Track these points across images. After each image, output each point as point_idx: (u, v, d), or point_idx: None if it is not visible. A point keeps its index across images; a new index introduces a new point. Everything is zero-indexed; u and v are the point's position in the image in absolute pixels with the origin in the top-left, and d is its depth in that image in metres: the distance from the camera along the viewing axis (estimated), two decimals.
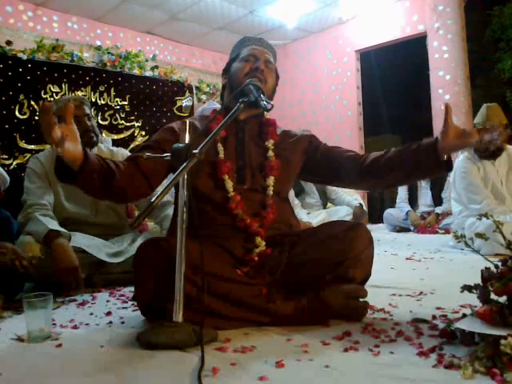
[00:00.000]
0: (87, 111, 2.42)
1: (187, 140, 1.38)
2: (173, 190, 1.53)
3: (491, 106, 3.19)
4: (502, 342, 0.96)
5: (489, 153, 3.18)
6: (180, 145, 1.25)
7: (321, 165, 1.69)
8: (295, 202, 4.07)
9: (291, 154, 1.68)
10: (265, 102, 1.44)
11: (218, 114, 1.57)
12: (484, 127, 2.94)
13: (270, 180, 1.59)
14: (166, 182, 1.19)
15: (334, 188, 4.38)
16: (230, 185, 1.54)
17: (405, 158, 1.52)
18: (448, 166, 1.45)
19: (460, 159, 3.34)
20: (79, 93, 5.19)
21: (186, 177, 1.35)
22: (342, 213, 4.22)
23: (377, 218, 5.93)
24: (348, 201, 4.36)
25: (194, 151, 1.20)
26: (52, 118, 1.17)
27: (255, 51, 1.66)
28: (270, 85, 1.64)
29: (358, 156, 1.65)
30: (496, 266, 1.15)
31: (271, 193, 1.59)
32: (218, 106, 2.73)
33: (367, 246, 1.48)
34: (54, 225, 2.14)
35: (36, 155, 2.48)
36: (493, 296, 1.13)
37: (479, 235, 1.22)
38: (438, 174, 1.49)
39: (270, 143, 1.65)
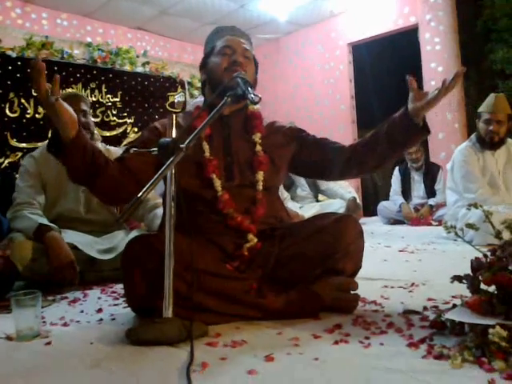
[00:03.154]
0: (83, 107, 2.42)
1: (174, 135, 1.37)
2: (163, 188, 1.51)
3: (499, 95, 3.22)
4: (490, 331, 0.97)
5: (491, 143, 3.22)
6: (167, 139, 1.24)
7: (310, 157, 1.67)
8: (284, 195, 4.07)
9: (279, 147, 1.65)
10: (252, 95, 1.41)
11: (202, 110, 1.55)
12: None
13: (259, 175, 1.57)
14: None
15: None
16: (218, 183, 1.52)
17: (384, 133, 1.53)
18: (425, 128, 1.48)
19: (461, 148, 3.36)
20: (70, 90, 5.14)
21: (173, 171, 1.33)
22: (336, 206, 4.22)
23: (371, 210, 5.93)
24: (341, 194, 4.36)
25: (181, 145, 1.19)
26: (43, 73, 1.24)
27: (230, 42, 1.61)
28: (250, 75, 1.59)
29: (345, 146, 1.64)
30: (485, 256, 1.15)
31: (261, 188, 1.56)
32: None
33: (357, 239, 1.47)
34: (43, 220, 2.12)
35: (31, 153, 2.47)
36: (483, 286, 1.13)
37: (470, 226, 1.23)
38: (419, 138, 1.52)
39: (256, 137, 1.62)
